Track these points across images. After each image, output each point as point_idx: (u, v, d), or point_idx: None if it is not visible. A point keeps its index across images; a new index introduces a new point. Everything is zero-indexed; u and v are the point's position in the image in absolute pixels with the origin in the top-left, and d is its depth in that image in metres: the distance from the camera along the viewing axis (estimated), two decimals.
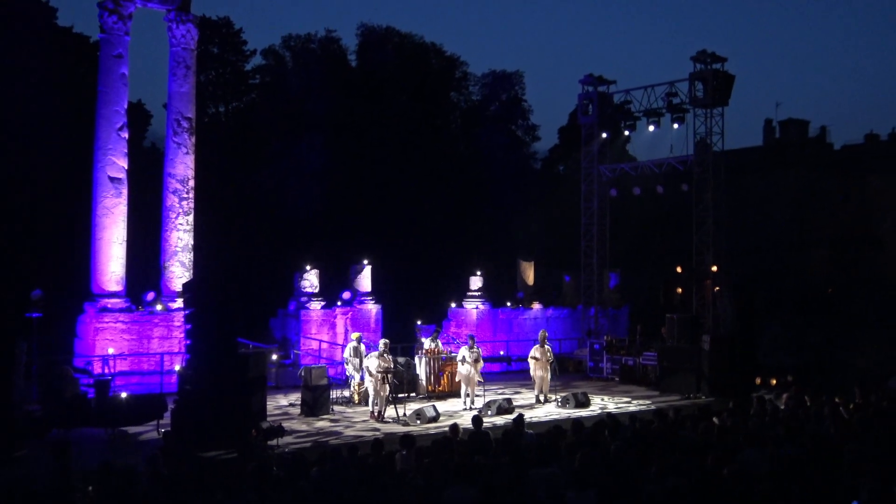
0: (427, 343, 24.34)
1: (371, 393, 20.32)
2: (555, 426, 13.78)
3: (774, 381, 24.78)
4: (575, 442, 12.35)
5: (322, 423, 19.68)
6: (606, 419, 14.78)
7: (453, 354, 23.72)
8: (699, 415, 15.49)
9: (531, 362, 23.32)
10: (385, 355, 20.41)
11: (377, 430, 18.46)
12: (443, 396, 23.55)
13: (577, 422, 14.00)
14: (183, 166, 27.13)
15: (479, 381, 22.37)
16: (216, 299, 16.70)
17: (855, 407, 16.47)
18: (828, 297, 44.01)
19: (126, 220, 25.77)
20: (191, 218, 27.30)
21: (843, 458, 10.86)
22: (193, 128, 27.39)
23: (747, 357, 24.94)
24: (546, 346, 23.28)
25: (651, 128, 31.29)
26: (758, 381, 25.03)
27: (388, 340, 21.12)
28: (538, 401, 22.99)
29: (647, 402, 23.28)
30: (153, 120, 45.50)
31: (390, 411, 20.16)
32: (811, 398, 18.08)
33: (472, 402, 21.99)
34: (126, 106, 25.98)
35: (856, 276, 44.75)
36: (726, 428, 13.90)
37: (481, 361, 22.44)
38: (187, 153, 27.17)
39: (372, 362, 20.33)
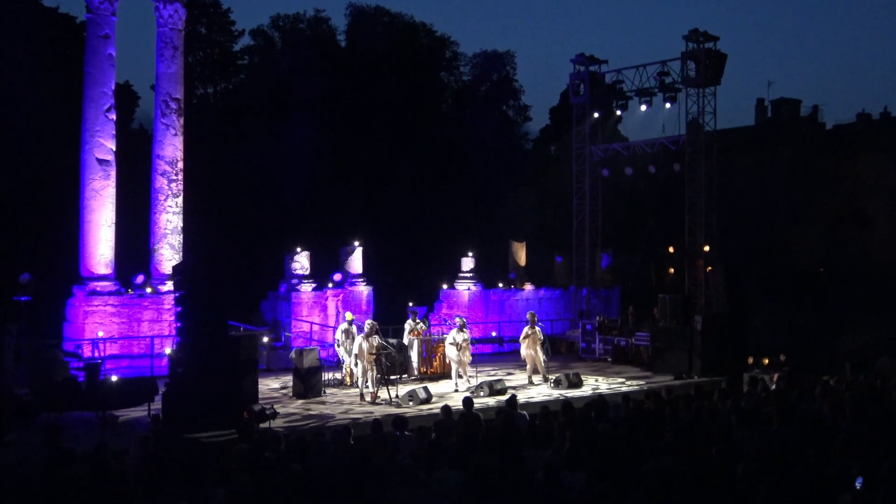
0: (409, 324, 24.22)
1: (359, 375, 20.31)
2: (547, 407, 13.80)
3: (766, 361, 24.87)
4: (567, 423, 12.38)
5: (314, 406, 19.68)
6: (598, 400, 14.82)
7: (445, 336, 23.72)
8: (692, 395, 15.54)
9: (523, 343, 23.33)
10: (373, 336, 20.36)
11: (370, 412, 18.47)
12: (436, 378, 23.56)
13: (569, 402, 14.02)
14: (171, 148, 27.02)
15: (468, 362, 22.38)
16: (206, 282, 16.63)
17: (847, 385, 16.56)
18: (819, 278, 44.19)
19: (115, 202, 25.67)
20: (180, 200, 27.21)
21: (836, 438, 10.91)
22: (182, 109, 27.25)
23: (739, 337, 24.99)
24: (536, 328, 23.29)
25: (643, 107, 31.23)
26: (750, 360, 25.10)
27: (374, 322, 21.07)
28: (530, 382, 23.02)
29: (640, 382, 23.34)
30: (141, 101, 45.37)
31: (383, 393, 20.16)
32: (802, 377, 18.17)
33: (468, 382, 22.02)
34: (113, 87, 25.83)
35: (847, 256, 44.91)
36: (719, 408, 13.95)
37: (469, 351, 22.38)
38: (176, 134, 27.05)
39: (362, 343, 20.30)
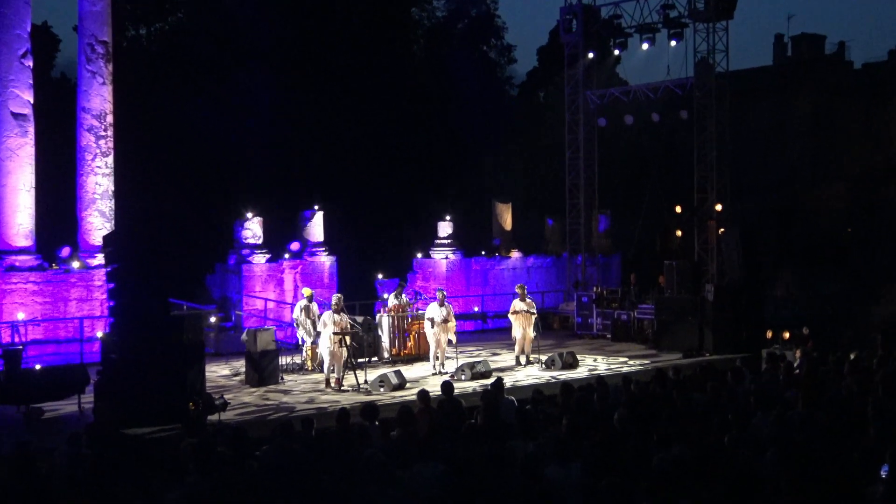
0: (391, 299, 24.32)
1: (326, 358, 20.29)
2: (538, 391, 13.83)
3: (787, 335, 25.03)
4: (561, 408, 12.42)
5: (271, 394, 19.66)
6: (596, 382, 14.87)
7: (420, 312, 23.73)
8: (703, 374, 15.62)
9: (512, 319, 23.34)
10: (340, 314, 20.35)
11: (336, 401, 18.46)
12: (409, 360, 23.56)
13: (564, 385, 14.06)
14: (99, 99, 26.72)
15: (450, 342, 22.38)
16: (143, 253, 16.52)
17: (878, 362, 16.71)
18: (845, 239, 44.48)
19: (34, 163, 25.39)
20: (110, 160, 26.96)
21: (866, 420, 11.00)
22: (110, 54, 26.93)
23: (756, 308, 25.14)
24: (528, 300, 23.33)
25: (644, 46, 31.18)
26: (769, 334, 25.28)
27: (341, 295, 21.04)
28: (518, 363, 23.08)
29: (644, 361, 23.44)
30: (63, 45, 44.77)
31: (350, 378, 20.16)
32: (829, 353, 18.32)
33: (443, 367, 22.05)
34: (29, 29, 25.44)
35: (877, 215, 45.20)
36: (734, 389, 14.04)
37: (453, 320, 22.46)
38: (104, 83, 26.75)
39: (328, 321, 20.27)
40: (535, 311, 23.34)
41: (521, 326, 23.17)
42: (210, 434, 12.47)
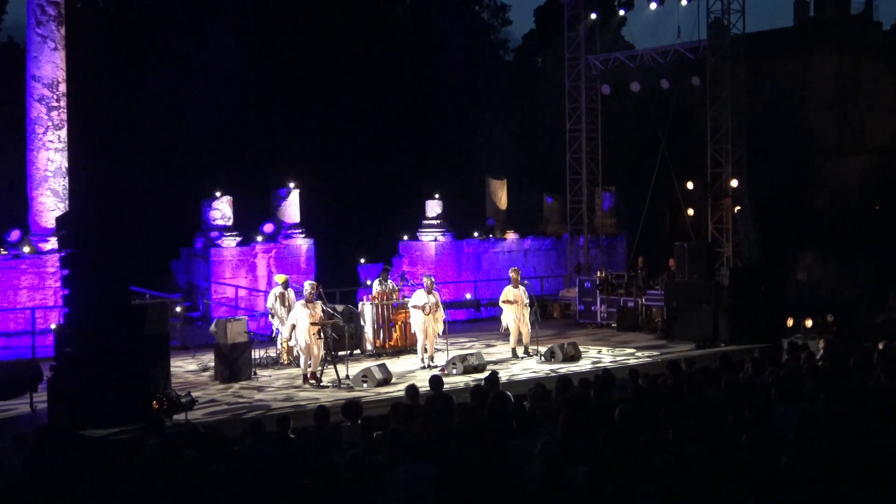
0: (375, 286, 24.29)
1: (303, 351, 20.27)
2: (537, 385, 13.83)
3: (810, 323, 25.08)
4: (561, 404, 12.42)
5: (243, 391, 19.65)
6: (601, 376, 14.86)
7: (408, 300, 23.71)
8: (718, 367, 15.63)
9: (504, 307, 23.37)
10: (315, 302, 20.30)
11: (315, 398, 18.46)
12: (395, 353, 23.58)
13: (565, 379, 14.05)
14: (51, 66, 26.55)
15: (439, 332, 22.39)
16: (101, 237, 16.47)
17: None
18: (873, 217, 44.52)
19: None
20: (64, 133, 26.81)
21: None
22: (63, 16, 26.76)
23: (776, 293, 25.18)
24: (521, 287, 23.33)
25: (653, 6, 31.14)
26: (789, 322, 25.33)
27: (315, 282, 20.98)
28: (515, 355, 23.09)
29: (653, 352, 23.50)
30: (10, 7, 44.45)
31: (330, 373, 20.15)
32: (855, 342, 18.34)
33: (433, 360, 22.05)
34: None
35: None
36: (751, 382, 14.05)
37: (441, 309, 22.44)
38: (56, 49, 26.58)
39: (301, 312, 20.24)
40: (528, 300, 23.32)
41: (515, 315, 23.17)
42: (176, 435, 12.44)
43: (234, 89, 41.00)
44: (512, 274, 23.73)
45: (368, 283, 25.41)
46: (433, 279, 23.01)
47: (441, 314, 22.42)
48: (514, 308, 23.17)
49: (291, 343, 21.27)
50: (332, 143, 42.75)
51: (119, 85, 39.90)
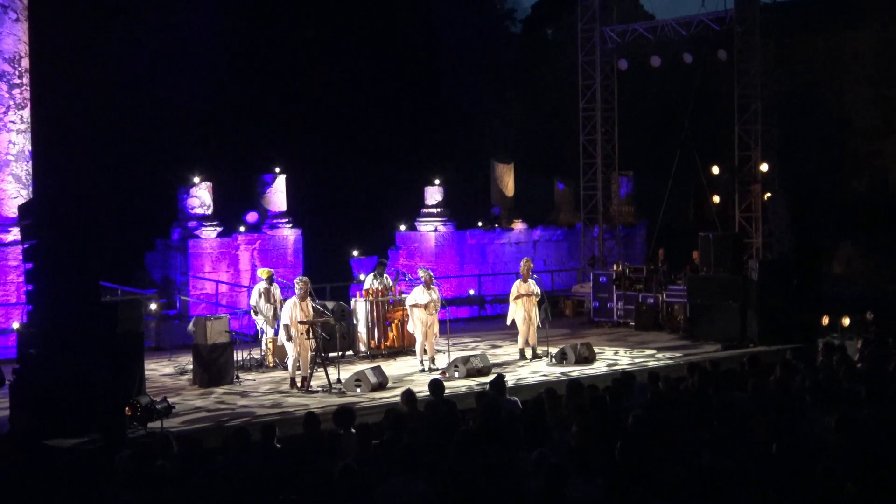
0: (369, 281, 24.27)
1: (291, 353, 20.27)
2: (547, 390, 13.83)
3: (847, 321, 25.07)
4: (573, 411, 12.43)
5: (224, 396, 19.66)
6: (617, 379, 14.87)
7: (406, 296, 23.71)
8: (746, 369, 15.63)
9: (512, 304, 23.35)
10: (306, 300, 20.30)
11: (304, 404, 18.48)
12: (391, 354, 23.60)
13: (577, 383, 14.05)
14: (12, 39, 26.53)
15: (436, 332, 22.41)
16: (68, 227, 16.48)
17: None
18: None
19: None
20: (27, 113, 26.80)
21: None
22: None
23: (810, 288, 25.15)
24: (531, 281, 23.28)
25: None
26: (825, 320, 25.30)
27: (307, 278, 20.95)
28: (523, 356, 23.09)
29: (675, 354, 23.48)
30: None
31: (320, 377, 20.15)
32: None
33: (433, 362, 22.05)
34: None
35: None
36: (783, 386, 14.05)
37: (439, 304, 22.42)
38: (17, 20, 26.56)
39: (290, 310, 20.23)
40: (538, 294, 23.29)
41: (524, 312, 23.14)
42: (150, 445, 12.44)
43: (214, 65, 40.96)
44: (522, 267, 23.65)
45: (362, 277, 25.40)
46: (431, 273, 22.95)
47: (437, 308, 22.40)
48: (523, 304, 23.12)
49: (281, 342, 21.19)
50: (321, 124, 42.70)
51: (88, 61, 39.85)
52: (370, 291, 23.95)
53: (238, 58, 42.13)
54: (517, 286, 23.33)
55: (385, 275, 24.61)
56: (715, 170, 32.99)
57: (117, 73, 39.63)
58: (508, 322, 23.78)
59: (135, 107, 39.93)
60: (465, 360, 21.08)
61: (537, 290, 23.33)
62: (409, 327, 22.57)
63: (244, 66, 42.47)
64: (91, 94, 39.35)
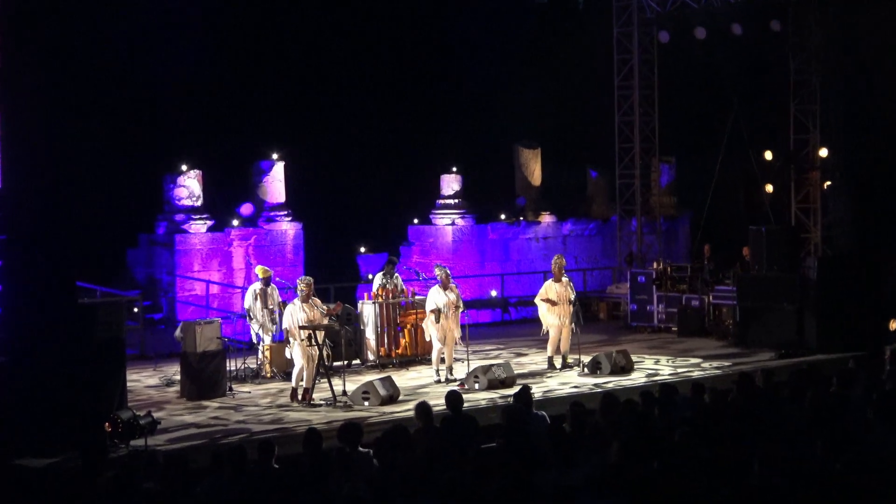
0: (377, 280, 24.27)
1: (297, 361, 20.26)
2: (578, 404, 13.82)
3: None
4: (609, 427, 12.42)
5: (216, 411, 19.71)
6: (658, 391, 14.84)
7: (420, 298, 23.71)
8: (803, 380, 15.59)
9: (542, 307, 23.28)
10: (310, 302, 20.29)
11: (306, 420, 18.50)
12: (404, 364, 23.62)
13: (612, 396, 14.04)
14: None
15: (458, 338, 22.35)
16: (41, 221, 16.52)
17: None
18: None
19: None
20: None
21: None
22: None
23: (875, 288, 25.07)
24: (565, 281, 23.20)
25: None
26: (893, 325, 25.22)
27: (310, 278, 20.95)
28: (552, 366, 23.08)
29: (723, 363, 23.46)
30: None
31: (323, 389, 20.18)
32: None
33: (450, 372, 22.05)
34: None
35: None
36: (845, 398, 14.01)
37: (462, 306, 22.40)
38: None
39: (291, 314, 20.23)
40: (574, 296, 23.23)
41: (557, 317, 23.09)
42: (130, 464, 12.48)
43: (203, 37, 41.03)
44: (554, 265, 23.51)
45: (370, 277, 25.40)
46: (448, 270, 22.85)
47: (460, 311, 22.29)
48: (554, 307, 22.97)
49: (288, 354, 21.15)
50: (324, 105, 42.72)
51: (65, 36, 39.95)
52: (379, 292, 23.91)
53: (231, 30, 42.17)
54: (547, 287, 23.21)
55: (396, 274, 24.60)
56: (768, 155, 32.90)
57: (98, 50, 39.73)
58: (543, 333, 23.63)
59: (117, 88, 40.03)
60: (486, 369, 21.08)
61: (573, 293, 23.20)
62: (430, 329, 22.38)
63: (238, 38, 42.53)
64: (68, 74, 39.43)
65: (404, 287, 24.50)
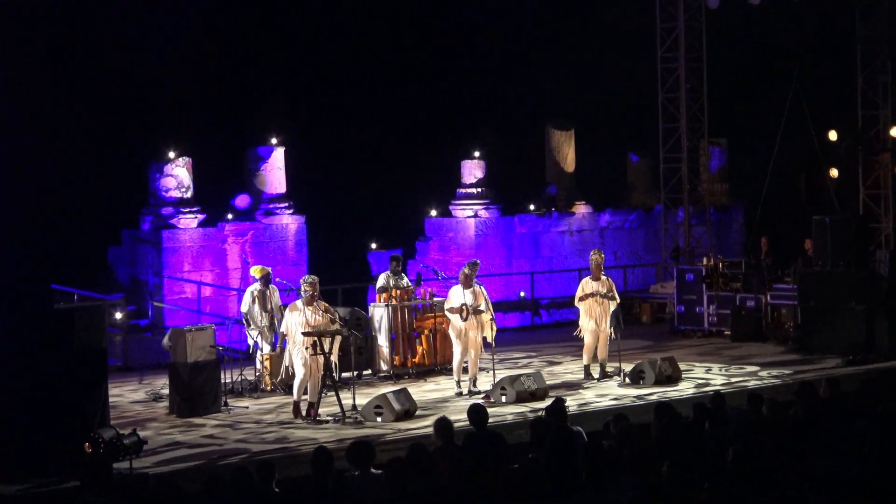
0: (380, 281, 24.19)
1: (299, 373, 20.27)
2: (619, 417, 13.80)
3: None
4: (655, 443, 12.40)
5: (209, 429, 19.74)
6: (710, 403, 14.81)
7: (439, 299, 23.72)
8: (875, 389, 15.55)
9: (581, 307, 23.24)
10: (314, 305, 20.27)
11: (311, 438, 18.52)
12: (421, 374, 23.64)
13: (661, 409, 14.02)
14: None
15: (486, 344, 22.30)
16: (13, 217, 16.57)
17: None
18: None
19: None
20: None
21: None
22: None
23: None
24: (603, 279, 23.16)
25: None
26: None
27: (315, 277, 20.93)
28: (589, 375, 23.06)
29: (783, 371, 23.46)
30: None
31: (331, 403, 20.21)
32: None
33: (474, 384, 22.04)
34: None
35: None
36: None
37: (490, 310, 22.35)
38: None
39: (293, 319, 20.24)
40: (615, 296, 23.21)
41: (595, 320, 23.06)
42: (115, 488, 12.51)
43: (196, 11, 41.16)
44: (593, 260, 23.44)
45: (381, 277, 25.36)
46: (476, 264, 22.73)
47: (488, 317, 22.17)
48: (595, 307, 22.88)
49: (286, 362, 21.17)
50: (329, 85, 42.80)
51: (46, 12, 40.10)
52: (392, 294, 23.86)
53: (223, 15, 42.28)
54: (586, 283, 23.15)
55: (403, 274, 24.55)
56: (832, 135, 32.82)
57: (79, 31, 39.88)
58: (576, 333, 23.54)
59: (99, 69, 40.18)
60: (514, 379, 21.06)
61: (615, 292, 23.17)
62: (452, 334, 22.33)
63: (234, 12, 42.64)
64: (47, 53, 39.56)
65: (412, 287, 24.42)
